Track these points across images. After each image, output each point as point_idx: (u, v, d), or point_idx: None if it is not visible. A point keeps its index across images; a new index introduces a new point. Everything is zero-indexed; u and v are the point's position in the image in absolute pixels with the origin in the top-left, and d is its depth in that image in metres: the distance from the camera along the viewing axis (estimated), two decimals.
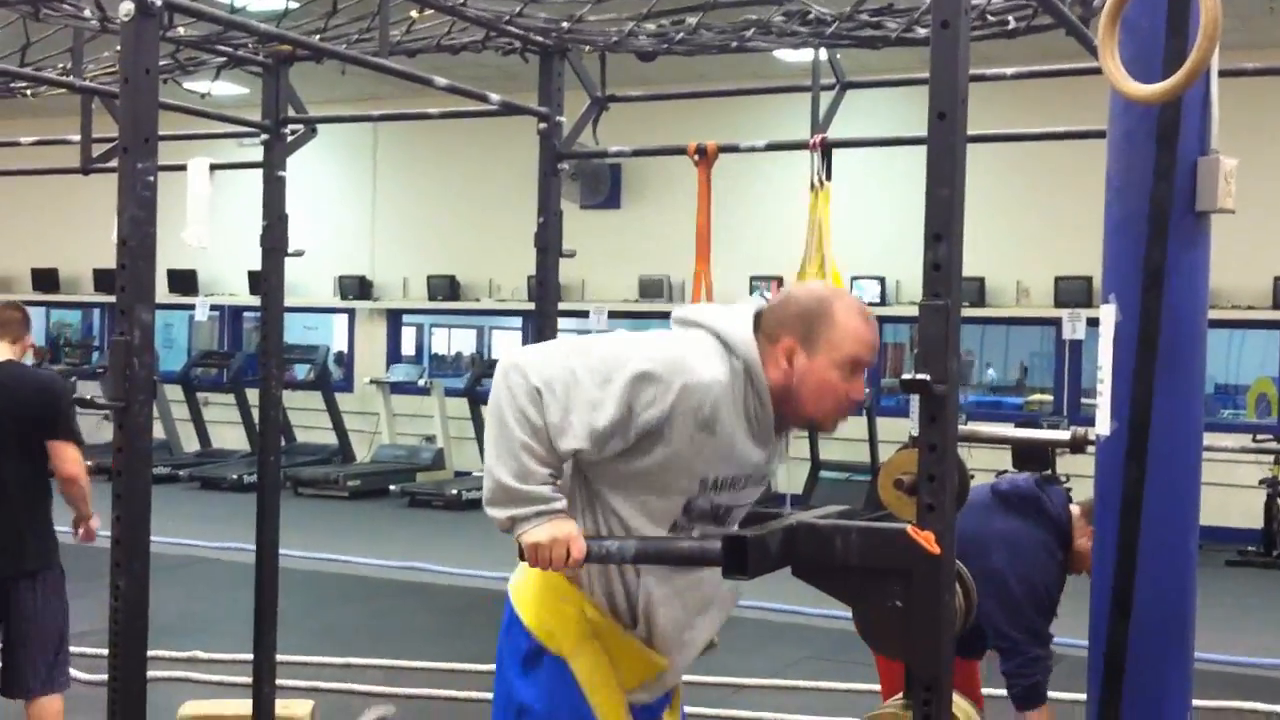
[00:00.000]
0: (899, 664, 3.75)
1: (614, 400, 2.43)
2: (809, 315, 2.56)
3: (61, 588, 4.46)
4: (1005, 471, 10.00)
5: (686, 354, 2.51)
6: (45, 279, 15.79)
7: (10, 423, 4.35)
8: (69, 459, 4.38)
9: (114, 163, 2.92)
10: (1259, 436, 10.63)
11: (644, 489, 2.54)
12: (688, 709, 5.34)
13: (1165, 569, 2.71)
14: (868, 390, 11.82)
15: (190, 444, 14.80)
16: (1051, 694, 6.11)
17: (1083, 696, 2.88)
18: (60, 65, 5.01)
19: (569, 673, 2.60)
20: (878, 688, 5.66)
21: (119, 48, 2.91)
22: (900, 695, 2.70)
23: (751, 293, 12.08)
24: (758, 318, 2.60)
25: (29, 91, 5.35)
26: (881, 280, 12.09)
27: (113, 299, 2.84)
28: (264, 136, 4.51)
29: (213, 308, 15.08)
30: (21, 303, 4.76)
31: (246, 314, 15.42)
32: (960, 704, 2.64)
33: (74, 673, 5.69)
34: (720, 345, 2.55)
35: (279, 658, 4.66)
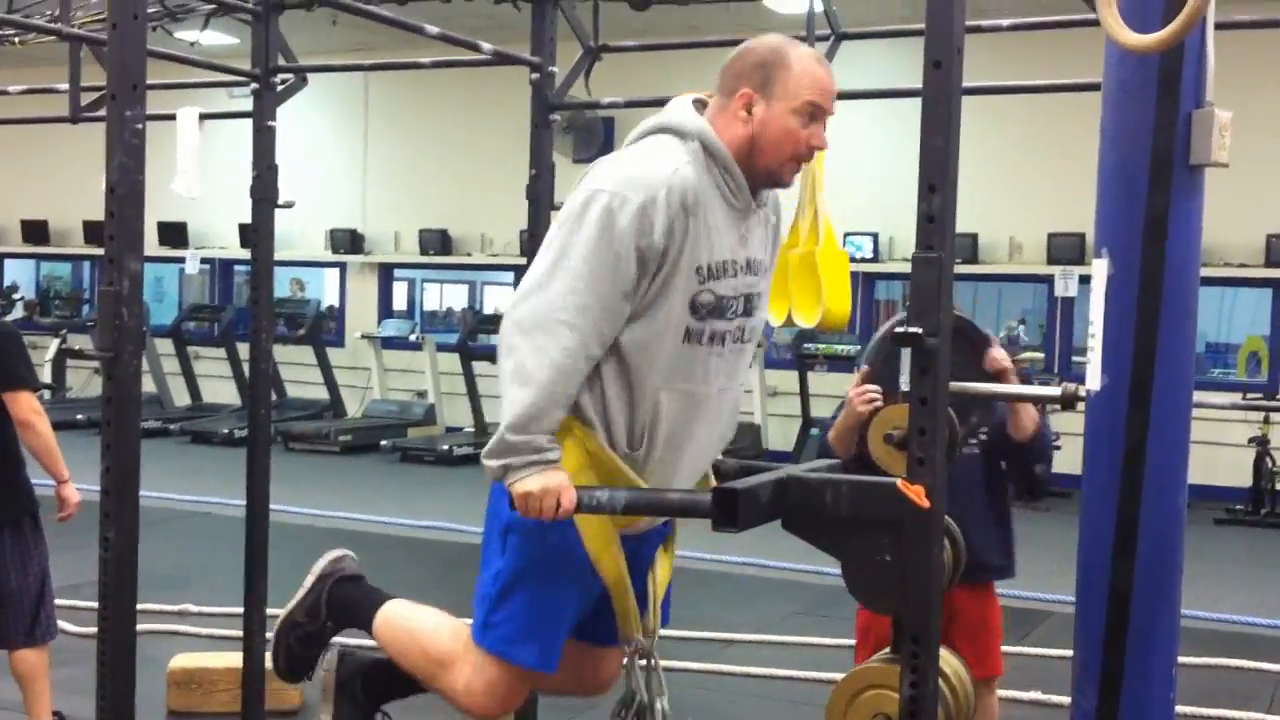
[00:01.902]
0: (879, 629, 3.78)
1: (626, 259, 2.48)
2: (766, 64, 2.59)
3: (36, 541, 4.40)
4: None
5: (645, 164, 2.55)
6: (35, 231, 15.71)
7: None
8: (20, 406, 4.28)
9: (103, 111, 2.89)
10: (1249, 395, 10.66)
11: (655, 305, 2.56)
12: (675, 664, 5.39)
13: (1154, 525, 2.72)
14: (860, 346, 11.86)
15: (181, 398, 14.78)
16: (1043, 650, 6.17)
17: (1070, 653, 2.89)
18: (48, 13, 4.96)
19: None
20: None
21: None
22: (887, 649, 2.71)
23: None
24: (701, 103, 2.68)
25: (17, 39, 5.31)
26: (875, 236, 12.07)
27: (103, 251, 2.82)
28: (253, 86, 4.47)
29: (203, 261, 15.02)
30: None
31: (237, 267, 15.37)
32: (948, 659, 2.65)
33: (65, 625, 5.72)
34: (669, 136, 2.60)
35: (270, 611, 4.66)
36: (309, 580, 3.09)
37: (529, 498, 2.48)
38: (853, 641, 5.93)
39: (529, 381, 2.48)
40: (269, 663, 4.68)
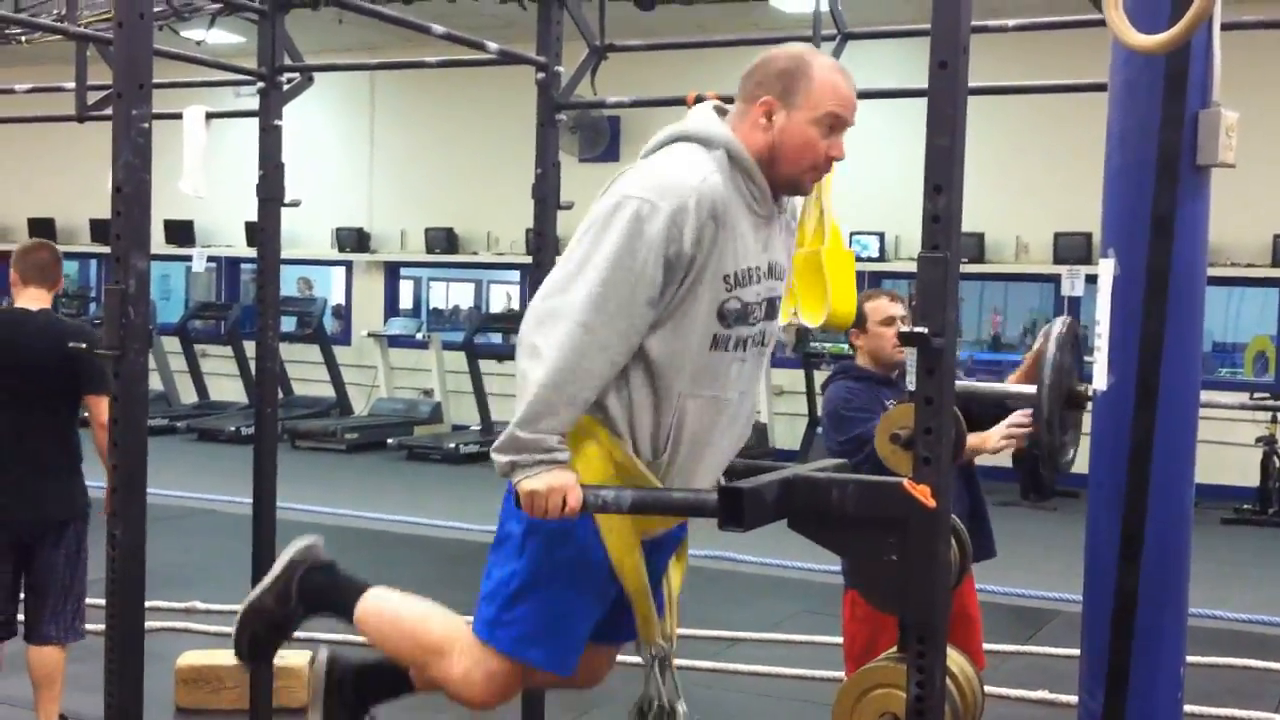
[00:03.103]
0: (866, 632, 3.78)
1: (653, 265, 2.48)
2: (787, 73, 2.61)
3: (85, 541, 4.47)
4: None
5: (673, 173, 2.56)
6: (42, 229, 15.70)
7: (44, 375, 4.36)
8: (105, 408, 4.37)
9: (109, 110, 2.90)
10: (1256, 394, 10.64)
11: (683, 313, 2.56)
12: (681, 663, 5.38)
13: (1161, 524, 2.72)
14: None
15: (188, 396, 14.81)
16: (1050, 650, 6.18)
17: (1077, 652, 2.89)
18: (55, 11, 4.98)
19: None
20: None
21: None
22: (894, 648, 2.71)
23: None
24: (720, 110, 2.69)
25: (24, 38, 5.33)
26: (881, 236, 12.06)
27: (109, 250, 2.83)
28: (259, 85, 4.48)
29: (210, 259, 15.04)
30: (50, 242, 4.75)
31: (244, 265, 15.38)
32: (954, 657, 2.65)
33: None
34: (695, 145, 2.61)
35: None
36: (278, 566, 3.07)
37: (535, 496, 2.48)
38: None
39: (541, 380, 2.48)
40: (276, 659, 4.72)
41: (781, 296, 2.78)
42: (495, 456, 2.55)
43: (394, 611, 2.95)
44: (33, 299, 4.49)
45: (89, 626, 5.68)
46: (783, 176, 2.64)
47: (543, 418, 2.48)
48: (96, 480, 4.50)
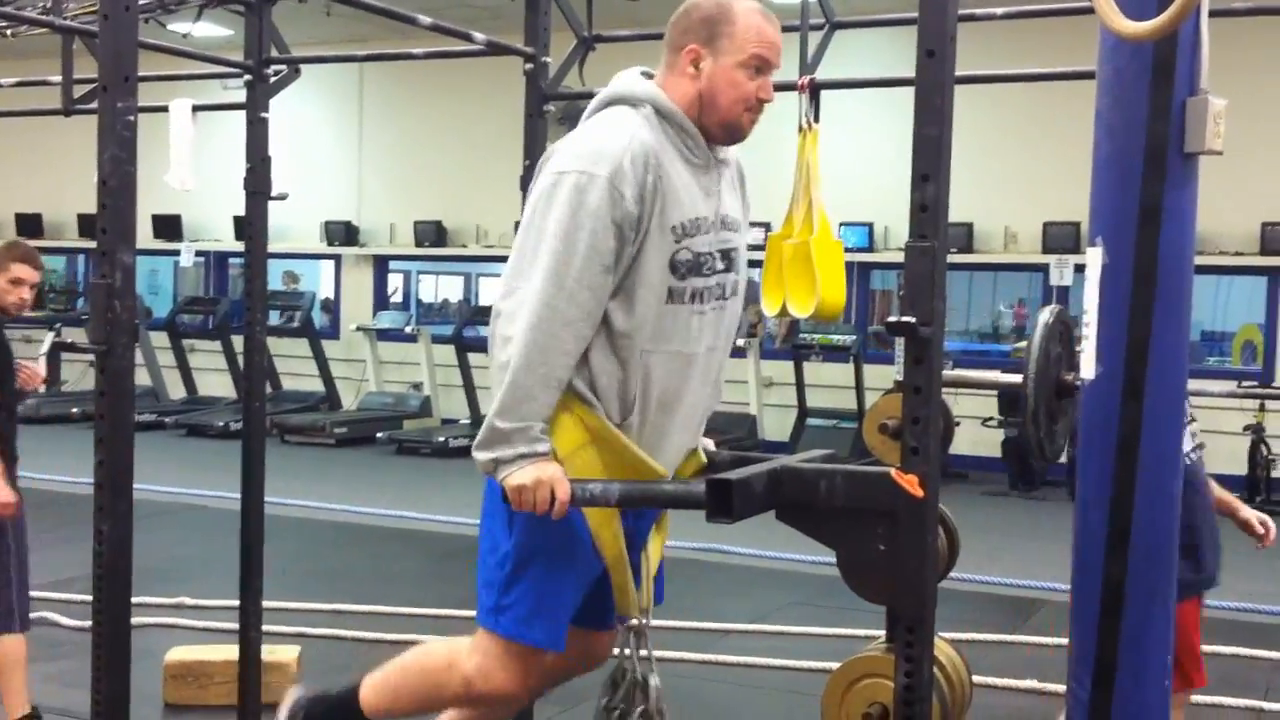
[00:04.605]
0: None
1: (603, 233, 2.51)
2: (710, 19, 2.68)
3: (5, 534, 4.44)
4: (991, 418, 10.05)
5: (602, 138, 2.60)
6: (29, 224, 15.69)
7: None
8: None
9: (96, 104, 2.88)
10: (1244, 383, 10.67)
11: (637, 270, 2.58)
12: (670, 654, 5.39)
13: (1150, 512, 2.72)
14: (856, 337, 11.87)
15: (176, 391, 14.77)
16: (1039, 639, 6.18)
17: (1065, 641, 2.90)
18: (40, 4, 4.95)
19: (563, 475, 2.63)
20: (862, 632, 5.70)
21: None
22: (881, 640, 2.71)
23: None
24: (648, 73, 2.76)
25: (9, 31, 5.30)
26: (870, 226, 12.06)
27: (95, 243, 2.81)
28: (246, 77, 4.46)
29: (198, 253, 15.00)
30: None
31: (232, 260, 15.34)
32: (943, 647, 2.65)
33: (59, 618, 5.75)
34: (621, 107, 2.66)
35: (265, 604, 4.66)
36: None
37: (522, 491, 2.48)
38: (849, 631, 5.95)
39: (513, 365, 2.50)
40: (265, 654, 4.71)
41: (739, 248, 2.79)
42: (477, 455, 2.56)
43: (388, 671, 2.95)
44: None
45: (76, 623, 5.70)
46: (717, 122, 2.67)
47: (521, 404, 2.49)
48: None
